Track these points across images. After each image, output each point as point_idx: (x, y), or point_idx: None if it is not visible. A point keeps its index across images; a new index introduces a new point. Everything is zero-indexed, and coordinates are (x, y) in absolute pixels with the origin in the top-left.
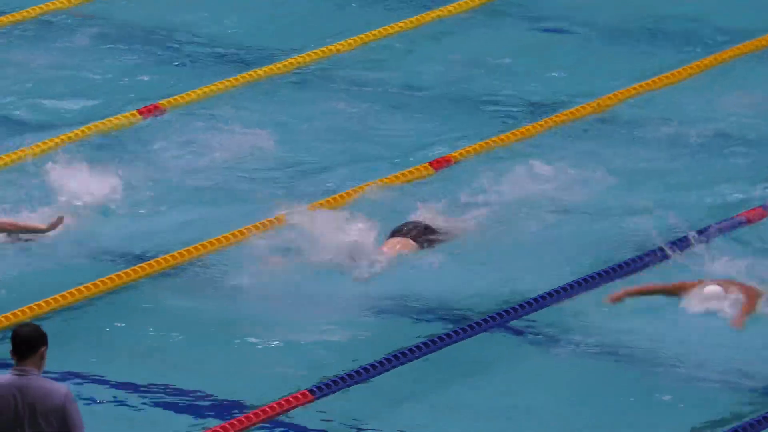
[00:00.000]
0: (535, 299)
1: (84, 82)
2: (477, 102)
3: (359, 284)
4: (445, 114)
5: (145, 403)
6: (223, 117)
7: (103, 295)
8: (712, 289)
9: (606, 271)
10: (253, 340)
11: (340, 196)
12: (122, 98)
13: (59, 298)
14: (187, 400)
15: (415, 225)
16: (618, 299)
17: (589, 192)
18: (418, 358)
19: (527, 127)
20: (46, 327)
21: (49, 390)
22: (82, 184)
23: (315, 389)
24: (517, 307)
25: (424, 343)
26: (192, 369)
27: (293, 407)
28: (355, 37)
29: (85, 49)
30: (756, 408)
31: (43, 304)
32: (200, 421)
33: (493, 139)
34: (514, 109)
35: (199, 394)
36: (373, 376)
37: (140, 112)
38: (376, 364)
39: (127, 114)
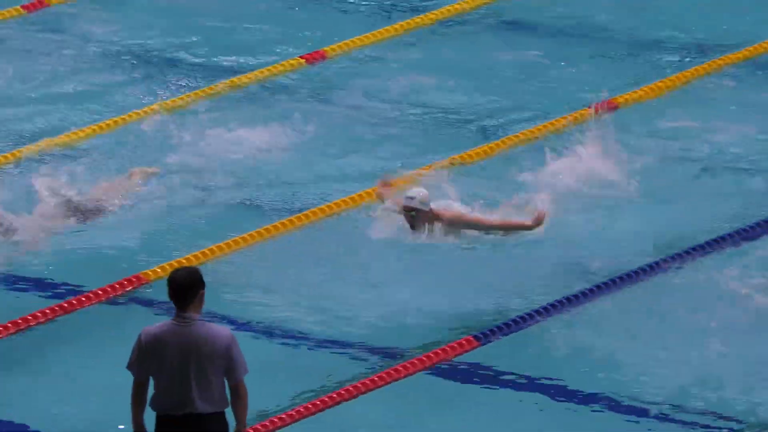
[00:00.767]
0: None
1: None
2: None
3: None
4: None
5: (316, 347)
6: None
7: None
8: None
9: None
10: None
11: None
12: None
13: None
14: (353, 351)
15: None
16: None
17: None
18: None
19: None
20: None
21: (213, 335)
22: None
23: (480, 336)
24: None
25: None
26: (354, 318)
27: (459, 354)
28: None
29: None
30: None
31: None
32: (367, 370)
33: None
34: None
35: (361, 345)
36: (530, 325)
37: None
38: (533, 313)
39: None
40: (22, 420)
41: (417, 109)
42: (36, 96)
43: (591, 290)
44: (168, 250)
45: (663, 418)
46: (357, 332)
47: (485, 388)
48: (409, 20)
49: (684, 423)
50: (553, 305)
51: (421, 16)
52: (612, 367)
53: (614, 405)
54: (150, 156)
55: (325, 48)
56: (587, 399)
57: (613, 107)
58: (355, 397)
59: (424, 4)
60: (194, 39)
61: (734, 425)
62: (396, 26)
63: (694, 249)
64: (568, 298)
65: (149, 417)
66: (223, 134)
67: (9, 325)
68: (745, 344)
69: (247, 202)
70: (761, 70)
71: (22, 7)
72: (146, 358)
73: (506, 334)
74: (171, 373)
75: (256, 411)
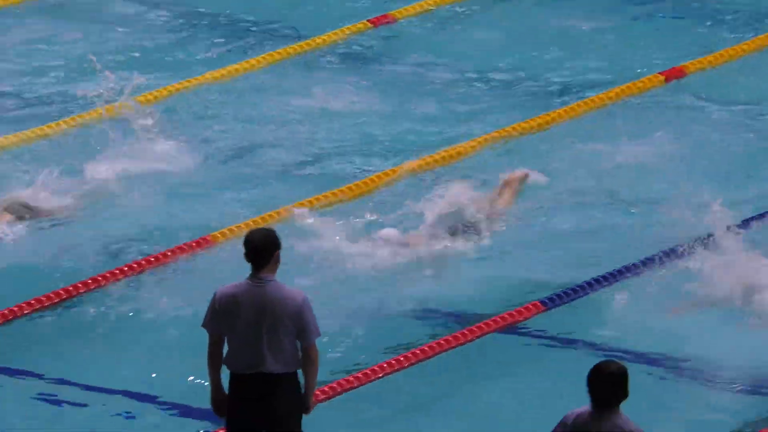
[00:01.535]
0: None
1: None
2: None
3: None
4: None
5: (388, 310)
6: None
7: None
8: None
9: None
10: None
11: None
12: None
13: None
14: (421, 312)
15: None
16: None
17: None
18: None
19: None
20: None
21: (286, 296)
22: None
23: (546, 301)
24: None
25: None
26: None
27: (525, 318)
28: None
29: None
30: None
31: None
32: (433, 331)
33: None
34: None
35: (432, 307)
36: (596, 290)
37: None
38: (600, 279)
39: None
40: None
41: (481, 73)
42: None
43: (660, 257)
44: (238, 213)
45: (731, 386)
46: (426, 296)
47: (551, 352)
48: None
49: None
50: (619, 271)
51: None
52: (677, 334)
53: (676, 370)
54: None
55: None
56: (652, 362)
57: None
58: (423, 360)
59: None
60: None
61: None
62: None
63: None
64: (634, 265)
65: (225, 375)
66: (290, 100)
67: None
68: None
69: (312, 170)
70: None
71: None
72: (220, 317)
73: (572, 300)
74: (243, 332)
75: (327, 371)
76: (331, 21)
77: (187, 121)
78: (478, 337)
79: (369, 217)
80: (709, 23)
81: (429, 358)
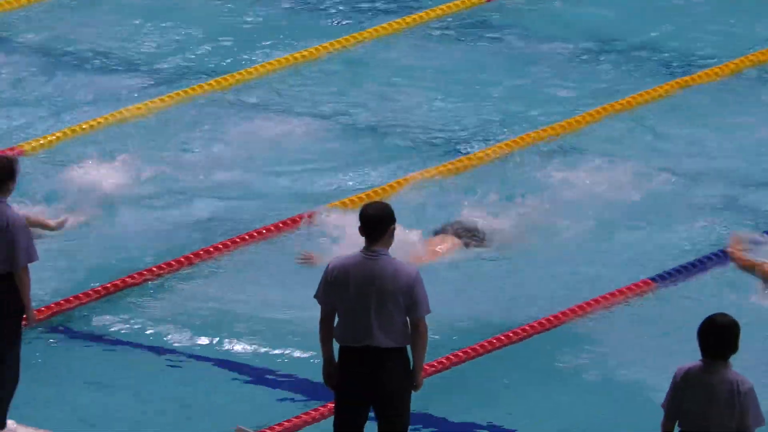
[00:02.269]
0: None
1: None
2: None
3: None
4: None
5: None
6: None
7: None
8: None
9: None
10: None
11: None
12: None
13: None
14: (532, 292)
15: (462, 225)
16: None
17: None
18: None
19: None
20: None
21: (397, 271)
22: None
23: (657, 278)
24: None
25: None
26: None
27: (636, 295)
28: None
29: None
30: None
31: None
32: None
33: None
34: None
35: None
36: (708, 269)
37: None
38: (712, 256)
39: None
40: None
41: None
42: None
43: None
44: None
45: None
46: (536, 273)
47: (659, 329)
48: None
49: None
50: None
51: None
52: None
53: None
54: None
55: None
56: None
57: None
58: (532, 336)
59: None
60: None
61: None
62: None
63: None
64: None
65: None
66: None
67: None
68: None
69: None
70: None
71: None
72: (331, 289)
73: (684, 278)
74: (353, 304)
75: (432, 347)
76: None
77: (302, 95)
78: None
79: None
80: None
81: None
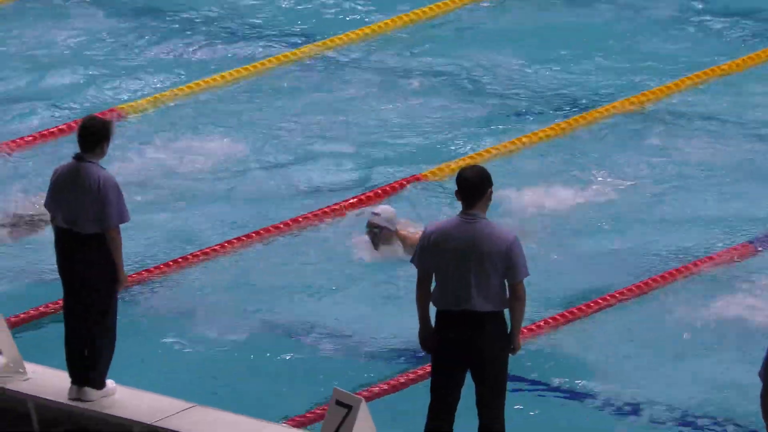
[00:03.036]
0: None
1: None
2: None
3: None
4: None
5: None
6: None
7: None
8: None
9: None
10: None
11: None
12: None
13: None
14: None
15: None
16: None
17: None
18: None
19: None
20: None
21: (495, 234)
22: None
23: (755, 240)
24: None
25: None
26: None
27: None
28: None
29: None
30: None
31: None
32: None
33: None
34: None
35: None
36: None
37: None
38: None
39: None
40: None
41: None
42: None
43: None
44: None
45: None
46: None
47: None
48: None
49: None
50: None
51: None
52: None
53: None
54: None
55: None
56: None
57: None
58: (620, 301)
59: None
60: None
61: None
62: None
63: None
64: None
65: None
66: None
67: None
68: None
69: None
70: None
71: None
72: (428, 253)
73: None
74: (451, 268)
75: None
76: None
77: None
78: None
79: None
80: None
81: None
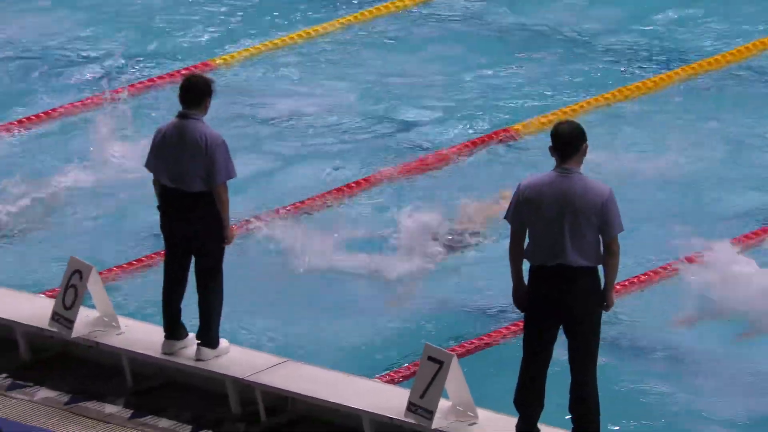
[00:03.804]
0: None
1: None
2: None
3: None
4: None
5: None
6: None
7: None
8: None
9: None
10: None
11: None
12: None
13: None
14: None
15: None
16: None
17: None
18: None
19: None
20: None
21: (590, 189)
22: None
23: None
24: None
25: None
26: None
27: None
28: None
29: None
30: None
31: None
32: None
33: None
34: None
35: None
36: None
37: None
38: None
39: None
40: None
41: None
42: None
43: None
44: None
45: None
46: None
47: None
48: None
49: None
50: None
51: None
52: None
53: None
54: None
55: None
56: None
57: None
58: None
59: None
60: None
61: None
62: None
63: None
64: None
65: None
66: None
67: None
68: None
69: None
70: None
71: None
72: (523, 208)
73: None
74: (545, 223)
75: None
76: None
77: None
78: None
79: None
80: None
81: None
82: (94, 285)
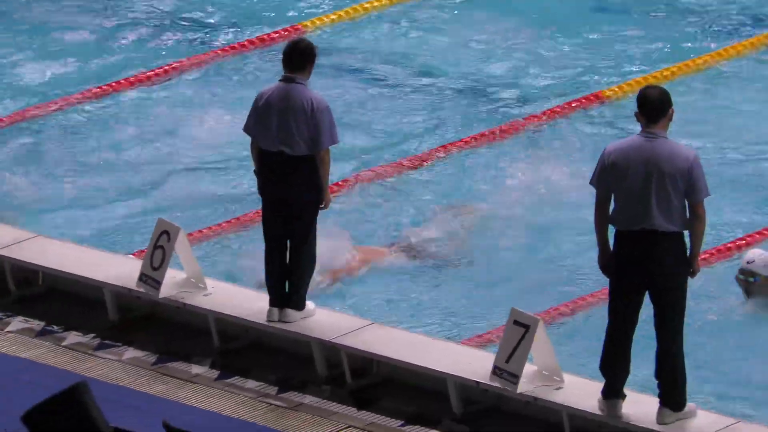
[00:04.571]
0: None
1: None
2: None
3: None
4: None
5: None
6: None
7: None
8: None
9: None
10: None
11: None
12: None
13: None
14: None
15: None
16: None
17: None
18: None
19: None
20: None
21: (676, 153)
22: None
23: None
24: None
25: None
26: None
27: None
28: None
29: None
30: None
31: None
32: None
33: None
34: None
35: None
36: None
37: None
38: None
39: None
40: None
41: None
42: None
43: None
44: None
45: None
46: None
47: None
48: None
49: None
50: None
51: None
52: None
53: None
54: None
55: None
56: None
57: None
58: None
59: None
60: None
61: None
62: None
63: None
64: None
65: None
66: None
67: None
68: None
69: None
70: None
71: None
72: (609, 173)
73: None
74: (631, 187)
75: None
76: None
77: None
78: None
79: None
80: None
81: None
82: (181, 246)
